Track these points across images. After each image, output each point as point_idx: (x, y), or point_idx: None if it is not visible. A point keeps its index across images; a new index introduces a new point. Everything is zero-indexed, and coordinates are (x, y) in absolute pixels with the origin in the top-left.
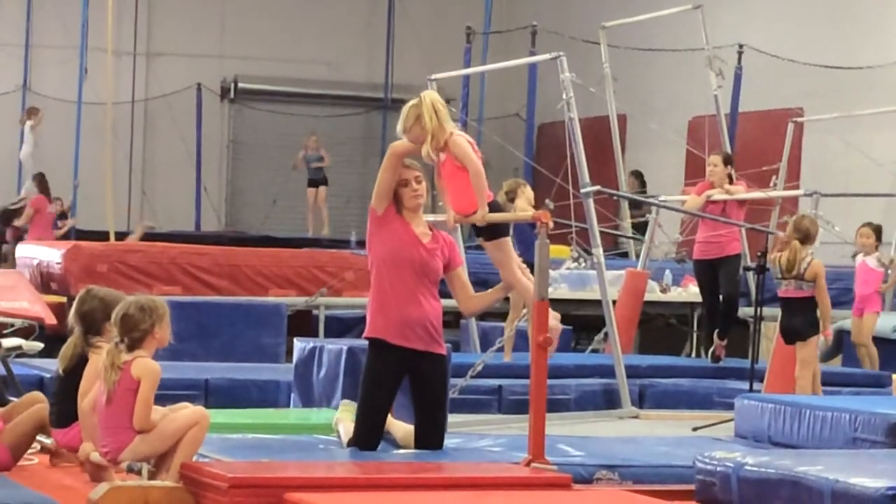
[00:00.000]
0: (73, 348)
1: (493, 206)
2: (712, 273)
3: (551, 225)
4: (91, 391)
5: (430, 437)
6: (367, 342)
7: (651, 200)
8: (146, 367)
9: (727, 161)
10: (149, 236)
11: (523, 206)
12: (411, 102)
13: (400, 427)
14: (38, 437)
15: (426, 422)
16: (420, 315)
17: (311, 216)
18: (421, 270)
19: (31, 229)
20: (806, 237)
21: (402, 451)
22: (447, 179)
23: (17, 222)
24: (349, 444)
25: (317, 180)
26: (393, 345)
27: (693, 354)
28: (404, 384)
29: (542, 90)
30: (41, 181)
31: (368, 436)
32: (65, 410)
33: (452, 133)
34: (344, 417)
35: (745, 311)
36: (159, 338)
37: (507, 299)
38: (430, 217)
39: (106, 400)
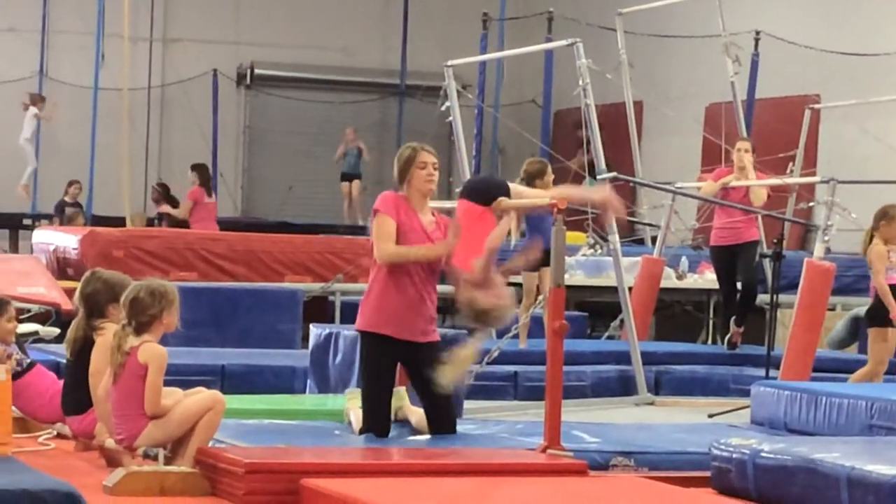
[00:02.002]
0: (76, 331)
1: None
2: (730, 260)
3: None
4: (103, 378)
5: (440, 422)
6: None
7: (667, 187)
8: (153, 352)
9: (753, 148)
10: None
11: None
12: None
13: (415, 412)
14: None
15: (433, 408)
16: (419, 307)
17: (348, 208)
18: (426, 262)
19: (192, 221)
20: (877, 225)
21: (417, 437)
22: (467, 228)
23: (176, 213)
24: (362, 431)
25: (353, 174)
26: (386, 336)
27: (709, 341)
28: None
29: (558, 76)
30: (202, 172)
31: (378, 424)
32: (78, 397)
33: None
34: (353, 405)
35: (761, 298)
36: (167, 323)
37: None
38: (435, 203)
39: (113, 382)
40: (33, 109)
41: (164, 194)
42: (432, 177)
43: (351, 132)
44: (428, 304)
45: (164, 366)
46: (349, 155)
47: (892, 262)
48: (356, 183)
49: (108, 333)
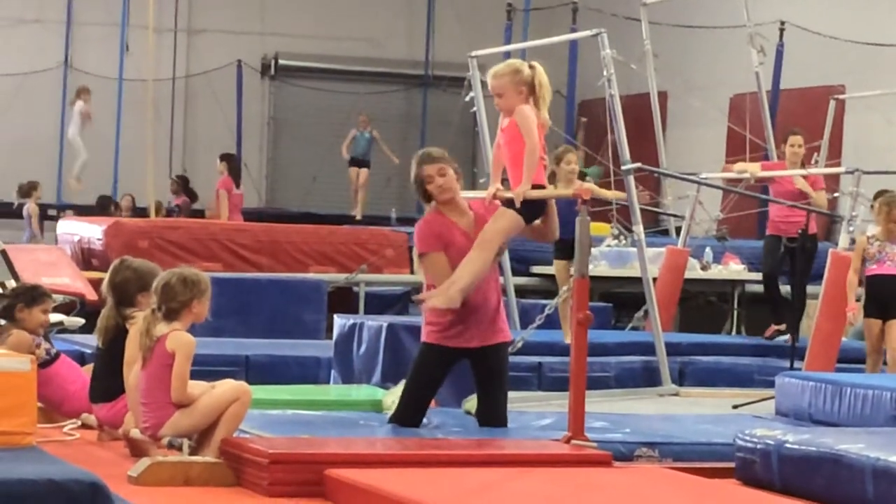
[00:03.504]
0: (106, 320)
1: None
2: (782, 249)
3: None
4: (135, 367)
5: (492, 417)
6: (409, 323)
7: (692, 178)
8: (180, 340)
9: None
10: (191, 212)
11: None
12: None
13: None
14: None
15: (486, 402)
16: (473, 314)
17: (354, 196)
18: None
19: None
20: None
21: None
22: (507, 144)
23: (216, 214)
24: (390, 420)
25: (362, 161)
26: (439, 346)
27: (733, 332)
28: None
29: (582, 67)
30: (231, 162)
31: (408, 419)
32: (106, 385)
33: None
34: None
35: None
36: (196, 312)
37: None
38: (469, 194)
39: (142, 367)
40: (80, 104)
41: (183, 186)
42: (441, 185)
43: (364, 117)
44: (484, 307)
45: (192, 354)
46: (360, 140)
47: (870, 254)
48: (364, 171)
49: (139, 322)
